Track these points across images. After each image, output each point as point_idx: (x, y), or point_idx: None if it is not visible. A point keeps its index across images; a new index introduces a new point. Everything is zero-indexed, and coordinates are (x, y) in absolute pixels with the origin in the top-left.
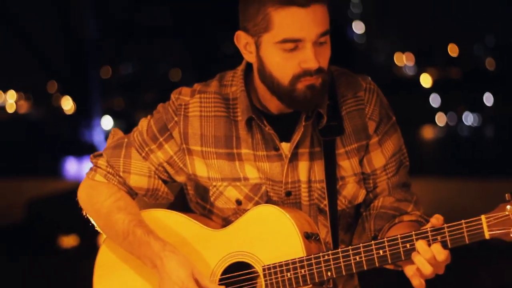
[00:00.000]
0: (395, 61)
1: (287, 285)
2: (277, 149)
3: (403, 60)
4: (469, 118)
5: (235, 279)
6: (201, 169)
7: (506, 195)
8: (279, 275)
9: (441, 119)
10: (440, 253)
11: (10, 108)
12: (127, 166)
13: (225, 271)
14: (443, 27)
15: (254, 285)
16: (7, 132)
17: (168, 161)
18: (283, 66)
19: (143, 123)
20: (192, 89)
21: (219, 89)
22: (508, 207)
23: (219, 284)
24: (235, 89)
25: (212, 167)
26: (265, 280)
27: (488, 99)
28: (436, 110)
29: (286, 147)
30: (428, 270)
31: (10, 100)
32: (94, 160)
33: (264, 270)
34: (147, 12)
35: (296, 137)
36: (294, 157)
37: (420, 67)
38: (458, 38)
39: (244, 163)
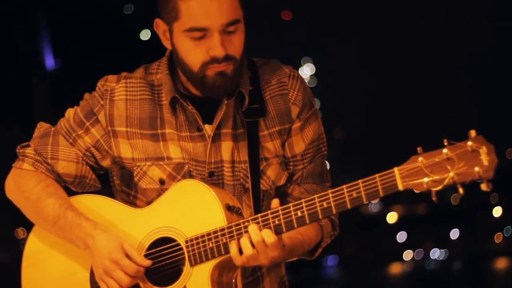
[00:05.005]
0: None
1: (209, 254)
2: (200, 129)
3: None
4: (436, 254)
5: (160, 253)
6: (125, 150)
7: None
8: (201, 245)
9: (408, 255)
10: (269, 237)
11: None
12: (55, 152)
13: (151, 247)
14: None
15: (179, 258)
16: None
17: (95, 145)
18: (192, 54)
19: (69, 112)
20: (118, 76)
21: (144, 75)
22: (420, 158)
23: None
24: (160, 76)
25: (136, 147)
26: (188, 252)
27: (454, 233)
28: (403, 246)
29: (209, 128)
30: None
31: None
32: (21, 150)
33: (186, 242)
34: None
35: (218, 117)
36: (217, 137)
37: (386, 204)
38: None
39: (168, 143)
